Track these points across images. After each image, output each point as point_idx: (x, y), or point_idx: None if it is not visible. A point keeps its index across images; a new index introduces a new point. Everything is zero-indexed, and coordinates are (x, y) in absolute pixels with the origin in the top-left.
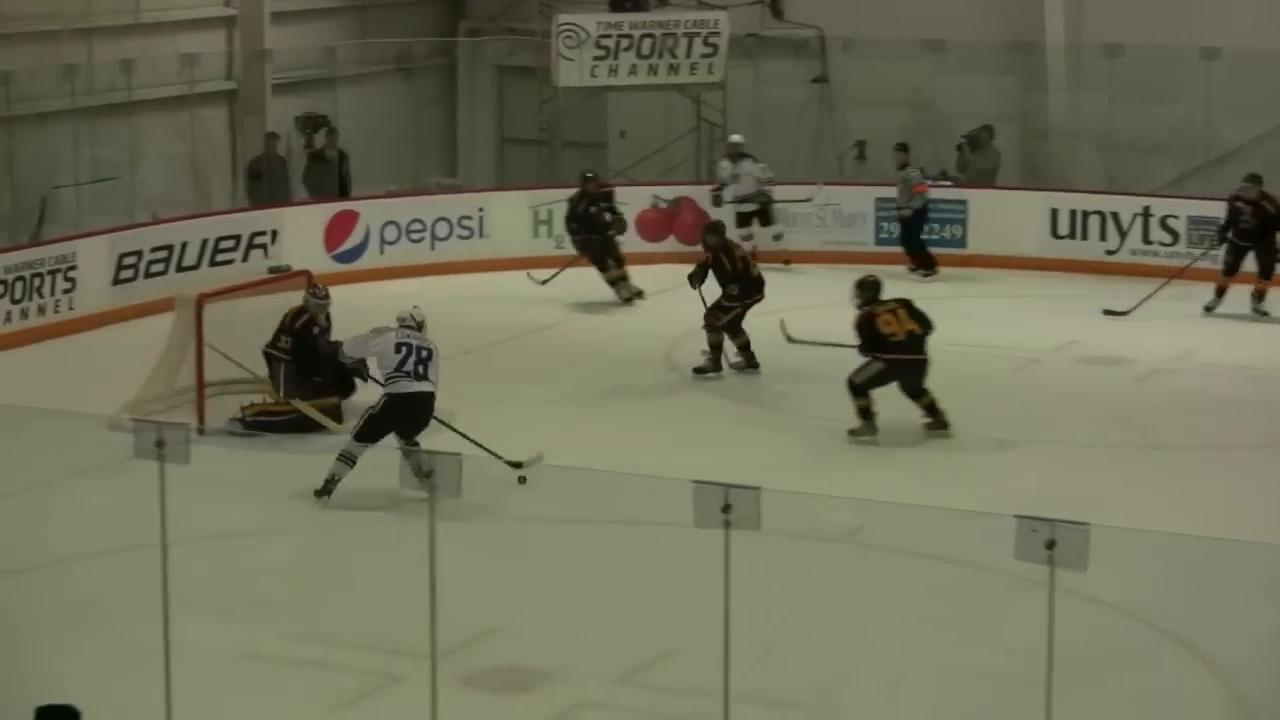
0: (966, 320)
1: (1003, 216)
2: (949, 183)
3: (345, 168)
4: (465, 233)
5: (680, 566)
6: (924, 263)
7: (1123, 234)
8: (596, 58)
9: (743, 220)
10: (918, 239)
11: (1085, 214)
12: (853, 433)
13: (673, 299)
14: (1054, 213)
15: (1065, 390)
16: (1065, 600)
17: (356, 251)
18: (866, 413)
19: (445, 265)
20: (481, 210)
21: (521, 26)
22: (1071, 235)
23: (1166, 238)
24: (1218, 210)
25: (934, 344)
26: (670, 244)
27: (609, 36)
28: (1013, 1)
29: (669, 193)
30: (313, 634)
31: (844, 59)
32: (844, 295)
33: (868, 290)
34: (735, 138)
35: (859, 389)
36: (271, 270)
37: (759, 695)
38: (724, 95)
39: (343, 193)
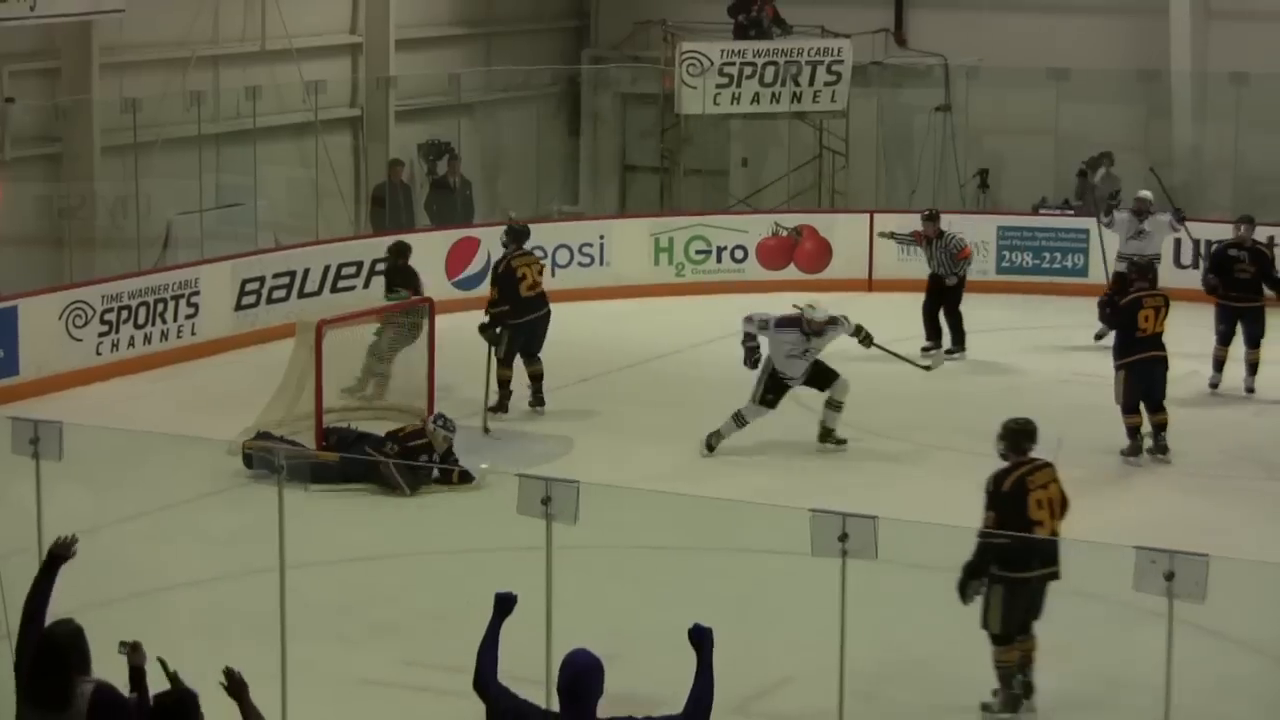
0: (1087, 351)
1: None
2: (1071, 211)
3: (468, 194)
4: (586, 260)
5: (797, 594)
6: (960, 338)
7: None
8: (719, 85)
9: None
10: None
11: (1209, 243)
12: (1123, 453)
13: None
14: (1177, 242)
15: (1186, 421)
16: (1184, 632)
17: (478, 278)
18: (1134, 432)
19: (566, 292)
20: (603, 237)
21: (645, 54)
22: (1195, 265)
23: None
24: None
25: (1055, 374)
26: (791, 272)
27: (732, 64)
28: (1138, 30)
29: (790, 220)
30: (429, 660)
31: (967, 87)
32: (966, 326)
33: (1138, 269)
34: (1144, 193)
35: (1125, 407)
36: (390, 297)
37: None
38: (847, 123)
39: (465, 220)
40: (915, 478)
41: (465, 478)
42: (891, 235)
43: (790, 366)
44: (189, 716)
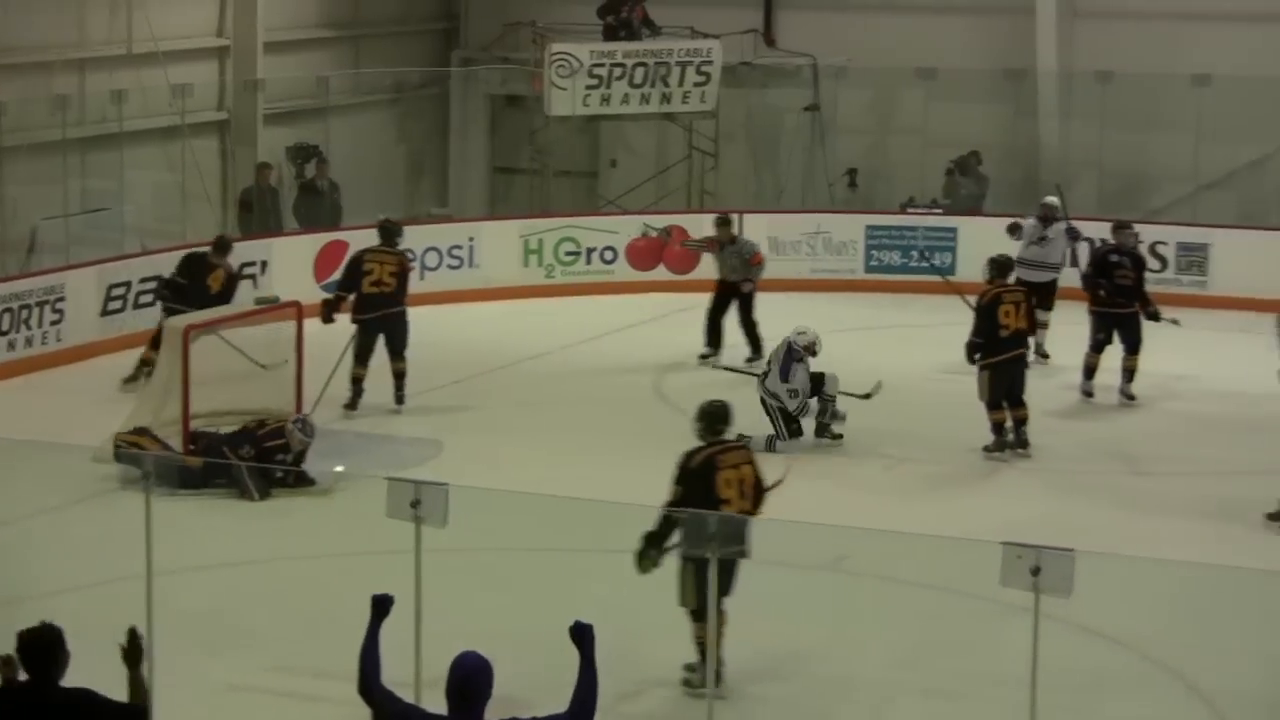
0: (954, 346)
1: (992, 243)
2: (939, 209)
3: (336, 198)
4: (455, 262)
5: (669, 595)
6: (757, 346)
7: None
8: (589, 87)
9: None
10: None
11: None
12: (986, 449)
13: (663, 328)
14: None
15: (1053, 417)
16: (1051, 627)
17: None
18: (999, 428)
19: (435, 295)
20: (472, 239)
21: (514, 56)
22: (1068, 263)
23: (1155, 264)
24: (1207, 236)
25: (921, 371)
26: (660, 272)
27: (602, 65)
28: (1004, 29)
29: (660, 221)
30: (297, 665)
31: (836, 87)
32: (831, 324)
33: (996, 267)
34: (1050, 199)
35: (989, 404)
36: (259, 301)
37: None
38: (716, 124)
39: (333, 223)
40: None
41: (303, 480)
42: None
43: (801, 398)
44: (56, 650)
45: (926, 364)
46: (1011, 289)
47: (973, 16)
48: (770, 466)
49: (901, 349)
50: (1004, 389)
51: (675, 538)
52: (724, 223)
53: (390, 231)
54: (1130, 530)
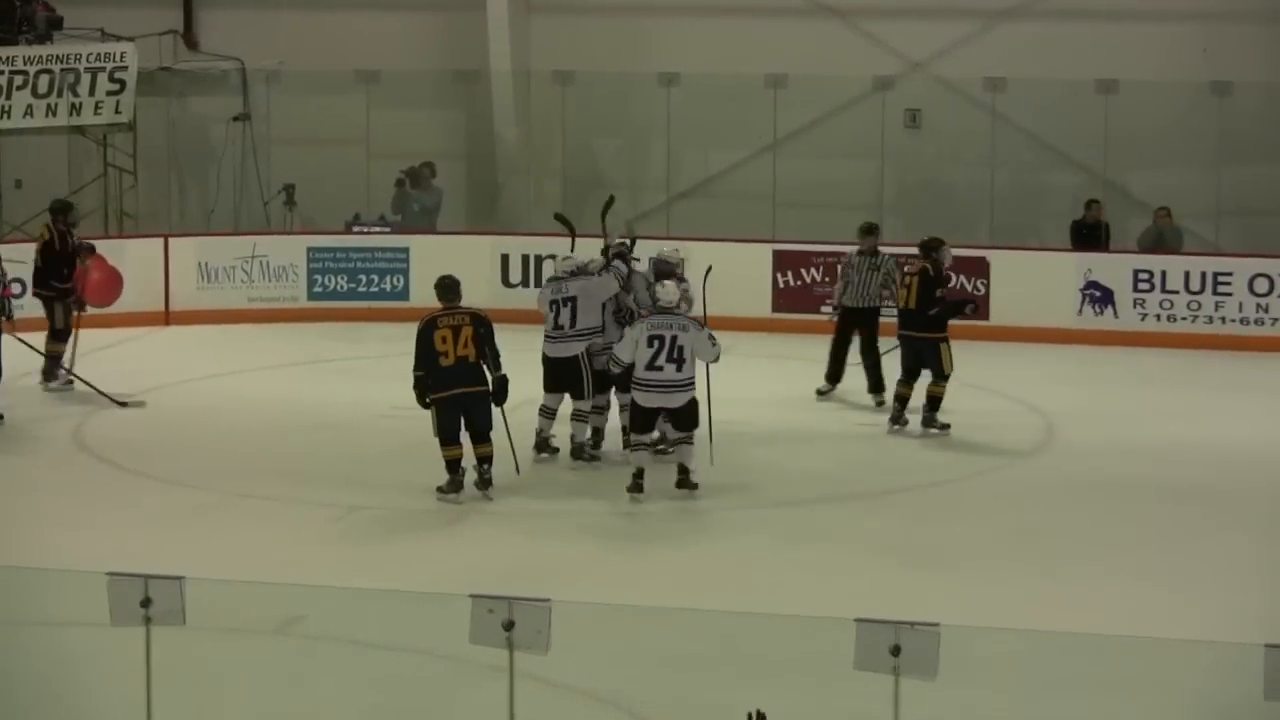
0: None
1: (448, 263)
2: (387, 227)
3: None
4: None
5: (99, 669)
6: None
7: None
8: None
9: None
10: None
11: (540, 258)
12: (440, 490)
13: (81, 368)
14: (505, 258)
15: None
16: (528, 686)
17: None
18: (455, 466)
19: None
20: None
21: None
22: (525, 282)
23: None
24: (683, 250)
25: (374, 407)
26: None
27: (0, 73)
28: (453, 27)
29: None
30: None
31: (268, 93)
32: (271, 359)
33: (441, 290)
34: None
35: (443, 439)
36: None
37: None
38: (134, 137)
39: None
40: (225, 529)
41: None
42: None
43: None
44: None
45: (379, 399)
46: (453, 312)
47: (417, 14)
48: None
49: (349, 383)
50: (458, 423)
51: None
52: None
53: None
54: (609, 575)
